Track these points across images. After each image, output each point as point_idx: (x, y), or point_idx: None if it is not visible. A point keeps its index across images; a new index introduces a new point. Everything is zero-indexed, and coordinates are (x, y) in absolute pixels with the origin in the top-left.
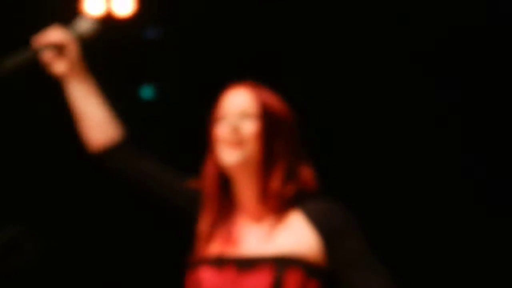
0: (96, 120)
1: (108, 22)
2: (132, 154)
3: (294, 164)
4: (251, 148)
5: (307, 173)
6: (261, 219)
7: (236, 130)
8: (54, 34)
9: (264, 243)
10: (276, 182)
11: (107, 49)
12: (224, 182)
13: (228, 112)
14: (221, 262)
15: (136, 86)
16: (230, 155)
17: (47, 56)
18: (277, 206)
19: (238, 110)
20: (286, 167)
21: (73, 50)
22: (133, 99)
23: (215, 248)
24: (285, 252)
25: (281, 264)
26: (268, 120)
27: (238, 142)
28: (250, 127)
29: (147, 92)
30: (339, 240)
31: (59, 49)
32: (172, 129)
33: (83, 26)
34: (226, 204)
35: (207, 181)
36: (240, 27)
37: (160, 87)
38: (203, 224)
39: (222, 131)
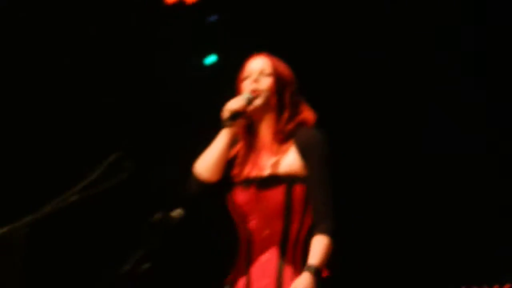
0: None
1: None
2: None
3: (296, 108)
4: (267, 95)
5: (306, 113)
6: (273, 149)
7: (257, 81)
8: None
9: (275, 166)
10: (283, 121)
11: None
12: (250, 125)
13: (251, 71)
14: (247, 183)
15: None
16: (256, 99)
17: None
18: (283, 138)
19: (258, 70)
20: (291, 110)
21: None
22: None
23: (245, 172)
24: (289, 171)
25: (289, 180)
26: (278, 78)
27: (258, 90)
28: (266, 81)
29: (210, 59)
30: (308, 159)
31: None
32: None
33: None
34: (252, 140)
35: (238, 125)
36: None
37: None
38: (238, 155)
39: (247, 83)
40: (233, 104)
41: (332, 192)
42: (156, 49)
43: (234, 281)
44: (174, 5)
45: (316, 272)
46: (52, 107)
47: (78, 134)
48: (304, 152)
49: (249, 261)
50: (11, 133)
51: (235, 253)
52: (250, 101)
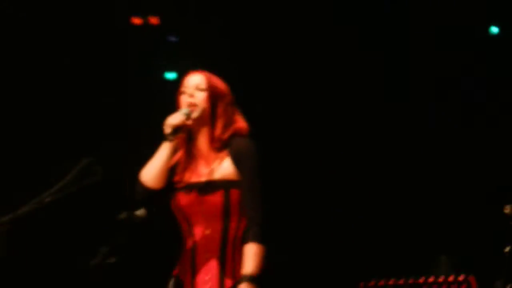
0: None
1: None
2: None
3: (230, 118)
4: (202, 108)
5: (240, 123)
6: (210, 157)
7: (192, 96)
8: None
9: (212, 173)
10: (218, 131)
11: None
12: (189, 135)
13: (188, 86)
14: (188, 188)
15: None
16: (192, 113)
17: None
18: (219, 146)
19: (194, 85)
20: (224, 120)
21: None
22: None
23: (185, 178)
24: (224, 178)
25: (225, 186)
26: (212, 92)
27: (194, 104)
28: (201, 95)
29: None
30: (240, 166)
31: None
32: None
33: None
34: (190, 149)
35: (178, 137)
36: None
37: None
38: (178, 162)
39: (184, 97)
40: (173, 120)
41: (261, 198)
42: (123, 64)
43: (180, 275)
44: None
45: (253, 280)
46: (27, 113)
47: (53, 138)
48: (236, 160)
49: (194, 258)
50: None
51: (180, 249)
52: (188, 116)
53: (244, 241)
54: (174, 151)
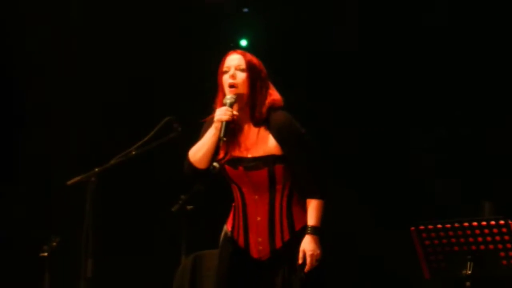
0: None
1: None
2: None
3: (266, 93)
4: (242, 87)
5: (274, 96)
6: (250, 131)
7: (234, 76)
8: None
9: (256, 149)
10: (258, 108)
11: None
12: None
13: (229, 66)
14: (234, 162)
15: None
16: (232, 92)
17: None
18: (259, 121)
19: (235, 65)
20: (262, 97)
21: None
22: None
23: (229, 151)
24: (269, 152)
25: (270, 161)
26: (251, 71)
27: (235, 85)
28: (242, 75)
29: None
30: (283, 140)
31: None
32: None
33: (229, 100)
34: (233, 125)
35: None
36: None
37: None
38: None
39: (226, 78)
40: (223, 116)
41: (316, 160)
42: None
43: (233, 232)
44: None
45: (316, 231)
46: None
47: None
48: (280, 137)
49: (246, 219)
50: None
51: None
52: (232, 105)
53: (289, 208)
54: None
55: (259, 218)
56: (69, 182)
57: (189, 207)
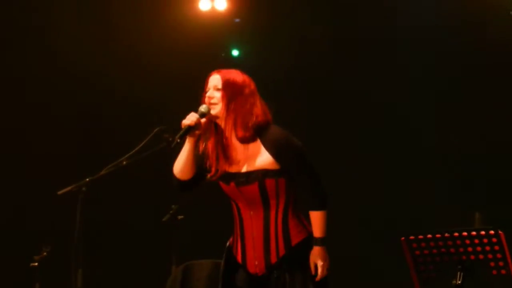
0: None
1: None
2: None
3: (250, 111)
4: (219, 106)
5: (260, 116)
6: (241, 146)
7: (210, 96)
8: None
9: (249, 164)
10: (240, 126)
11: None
12: (216, 126)
13: (209, 87)
14: (227, 177)
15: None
16: (212, 110)
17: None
18: (247, 141)
19: (213, 85)
20: (244, 114)
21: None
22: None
23: (220, 167)
24: (262, 167)
25: (262, 176)
26: (227, 90)
27: (214, 103)
28: (218, 95)
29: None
30: (281, 155)
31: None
32: None
33: (202, 109)
34: (220, 139)
35: (204, 127)
36: None
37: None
38: (208, 152)
39: (206, 97)
40: (186, 120)
41: (314, 171)
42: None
43: (232, 247)
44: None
45: (324, 242)
46: None
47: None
48: (276, 151)
49: (243, 234)
50: None
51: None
52: (204, 114)
53: (285, 222)
54: (197, 145)
55: (254, 233)
56: (59, 192)
57: (179, 217)
